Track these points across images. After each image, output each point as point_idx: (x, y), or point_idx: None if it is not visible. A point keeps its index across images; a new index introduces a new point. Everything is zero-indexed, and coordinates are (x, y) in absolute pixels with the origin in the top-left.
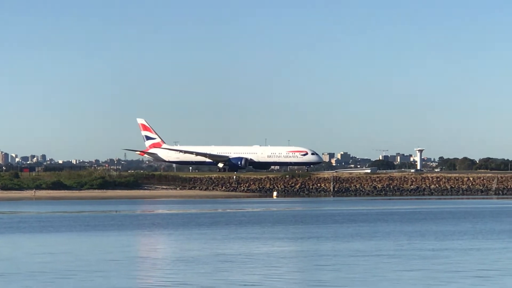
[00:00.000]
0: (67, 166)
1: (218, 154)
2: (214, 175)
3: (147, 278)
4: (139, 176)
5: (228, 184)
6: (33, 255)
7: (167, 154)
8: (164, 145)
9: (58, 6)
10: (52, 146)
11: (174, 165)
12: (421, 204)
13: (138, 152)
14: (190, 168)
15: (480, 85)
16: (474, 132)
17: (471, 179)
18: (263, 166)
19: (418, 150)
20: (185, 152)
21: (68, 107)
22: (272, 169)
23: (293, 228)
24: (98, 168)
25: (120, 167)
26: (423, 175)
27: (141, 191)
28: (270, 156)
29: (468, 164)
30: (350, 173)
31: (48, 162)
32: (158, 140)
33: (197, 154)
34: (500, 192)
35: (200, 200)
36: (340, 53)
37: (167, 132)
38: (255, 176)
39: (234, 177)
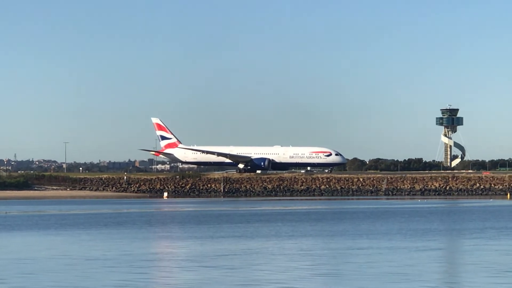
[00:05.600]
0: None
1: (239, 154)
2: (104, 176)
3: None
4: (29, 177)
5: (118, 184)
6: None
7: (183, 155)
8: (180, 145)
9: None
10: None
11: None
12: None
13: (153, 153)
14: (81, 168)
15: (367, 86)
16: (364, 133)
17: (361, 179)
18: (284, 167)
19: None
20: (205, 152)
21: None
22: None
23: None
24: None
25: (10, 167)
26: (313, 176)
27: (31, 191)
28: (292, 157)
29: (358, 164)
30: (241, 174)
31: None
32: (174, 140)
33: (219, 154)
34: (390, 192)
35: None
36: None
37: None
38: (145, 177)
39: (125, 177)
